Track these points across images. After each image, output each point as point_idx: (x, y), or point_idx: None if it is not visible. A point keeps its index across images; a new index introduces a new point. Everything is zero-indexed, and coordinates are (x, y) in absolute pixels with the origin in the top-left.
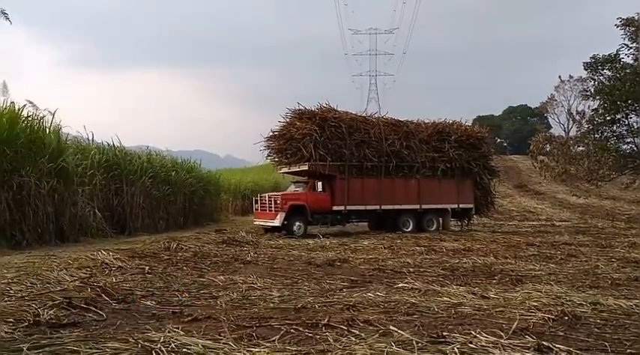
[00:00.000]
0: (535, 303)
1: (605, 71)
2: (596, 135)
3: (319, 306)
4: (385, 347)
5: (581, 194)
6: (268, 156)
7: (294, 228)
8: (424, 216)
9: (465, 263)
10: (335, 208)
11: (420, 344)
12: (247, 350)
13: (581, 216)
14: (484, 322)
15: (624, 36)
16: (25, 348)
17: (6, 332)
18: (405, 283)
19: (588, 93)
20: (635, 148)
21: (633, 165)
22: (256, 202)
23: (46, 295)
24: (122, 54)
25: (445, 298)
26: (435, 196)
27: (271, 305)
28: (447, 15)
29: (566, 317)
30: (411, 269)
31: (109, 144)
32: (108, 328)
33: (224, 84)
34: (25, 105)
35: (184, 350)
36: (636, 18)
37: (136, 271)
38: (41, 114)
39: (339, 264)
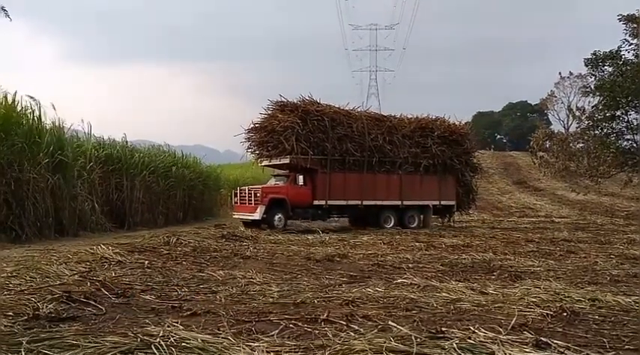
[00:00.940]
0: (534, 299)
1: (606, 67)
2: (595, 132)
3: (318, 301)
4: (384, 343)
5: (580, 190)
6: (248, 148)
7: (275, 221)
8: (405, 213)
9: (464, 259)
10: (316, 203)
11: (418, 340)
12: (246, 345)
13: (580, 213)
14: (483, 318)
15: (625, 32)
16: (24, 342)
17: (5, 326)
18: (404, 279)
19: (588, 90)
20: (634, 145)
21: (632, 161)
22: (235, 195)
23: (45, 289)
24: (123, 49)
25: (444, 294)
26: (416, 192)
27: (270, 300)
28: (446, 11)
29: (565, 314)
30: (410, 265)
31: (109, 139)
32: (107, 322)
33: (223, 79)
34: (19, 98)
35: (183, 344)
36: (637, 14)
37: (136, 265)
38: (41, 108)
39: (338, 259)
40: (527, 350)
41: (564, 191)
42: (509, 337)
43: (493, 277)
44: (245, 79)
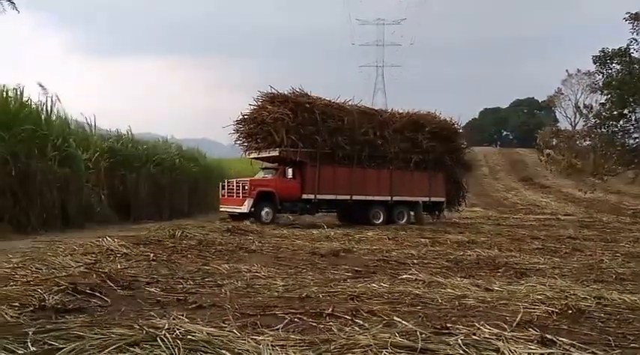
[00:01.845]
0: (539, 296)
1: (614, 65)
2: (602, 130)
3: (323, 296)
4: (389, 338)
5: (586, 188)
6: (237, 140)
7: (263, 214)
8: (395, 208)
9: (470, 255)
10: (305, 196)
11: (423, 335)
12: (251, 338)
13: (586, 210)
14: (488, 314)
15: (632, 30)
16: (30, 332)
17: (12, 317)
18: (409, 274)
19: (596, 87)
20: None
21: (639, 159)
22: (223, 188)
23: (51, 280)
24: (127, 41)
25: (449, 290)
26: (406, 188)
27: (275, 294)
28: (454, 7)
29: (570, 311)
30: (415, 261)
31: (115, 131)
32: (113, 314)
33: (228, 73)
34: (29, 89)
35: (189, 337)
36: None
37: (141, 258)
38: (49, 100)
39: (343, 254)
40: (532, 347)
41: (570, 188)
42: (515, 334)
43: (498, 274)
44: (251, 73)
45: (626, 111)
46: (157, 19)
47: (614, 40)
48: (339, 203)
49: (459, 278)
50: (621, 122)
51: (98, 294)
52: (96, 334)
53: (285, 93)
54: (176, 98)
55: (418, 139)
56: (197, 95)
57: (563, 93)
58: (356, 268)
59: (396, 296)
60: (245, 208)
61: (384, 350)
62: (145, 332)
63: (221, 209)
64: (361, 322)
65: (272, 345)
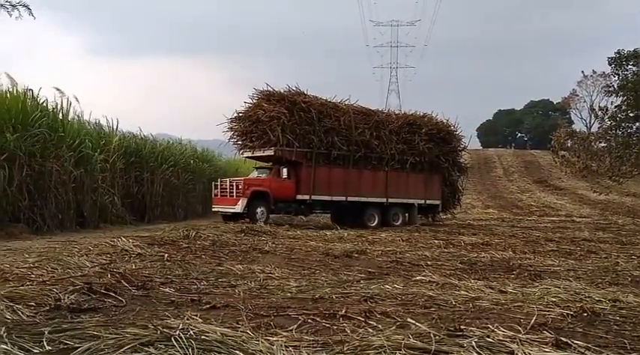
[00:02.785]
0: (554, 299)
1: (630, 66)
2: (618, 132)
3: (337, 297)
4: (402, 339)
5: (601, 190)
6: (231, 138)
7: (257, 214)
8: (390, 210)
9: (484, 257)
10: (299, 197)
11: (437, 337)
12: (265, 339)
13: (601, 213)
14: (502, 316)
15: None
16: (46, 332)
17: (28, 316)
18: (422, 276)
19: (612, 89)
20: None
21: None
22: (216, 187)
23: (66, 280)
24: (143, 42)
25: (463, 292)
26: (402, 190)
27: (289, 295)
28: (468, 7)
29: (585, 314)
30: (428, 263)
31: (130, 132)
32: (127, 314)
33: (242, 73)
34: (45, 91)
35: (203, 337)
36: None
37: (155, 258)
38: (68, 101)
39: (356, 255)
40: (546, 349)
41: (585, 190)
42: (529, 336)
43: (512, 276)
44: (265, 73)
45: None
46: (171, 17)
47: (631, 41)
48: (334, 204)
49: (472, 280)
50: (637, 124)
51: (113, 294)
52: (111, 334)
53: (282, 91)
54: (191, 99)
55: (414, 141)
56: (212, 96)
57: (578, 95)
58: (369, 269)
59: (409, 298)
60: (239, 208)
61: (397, 352)
62: (159, 332)
63: (213, 209)
64: (375, 323)
65: (285, 346)
